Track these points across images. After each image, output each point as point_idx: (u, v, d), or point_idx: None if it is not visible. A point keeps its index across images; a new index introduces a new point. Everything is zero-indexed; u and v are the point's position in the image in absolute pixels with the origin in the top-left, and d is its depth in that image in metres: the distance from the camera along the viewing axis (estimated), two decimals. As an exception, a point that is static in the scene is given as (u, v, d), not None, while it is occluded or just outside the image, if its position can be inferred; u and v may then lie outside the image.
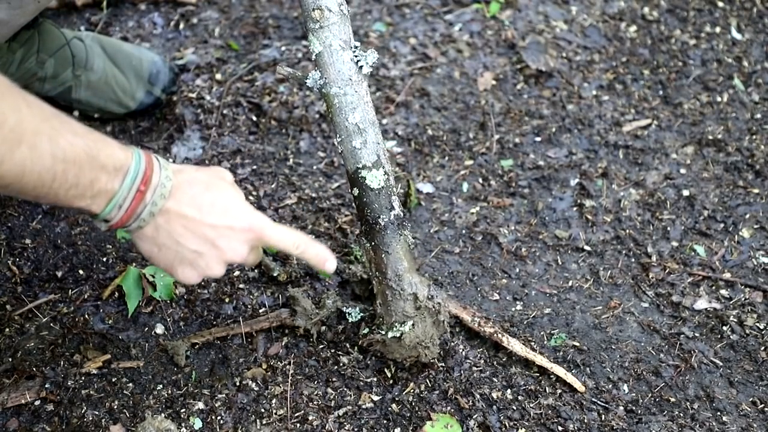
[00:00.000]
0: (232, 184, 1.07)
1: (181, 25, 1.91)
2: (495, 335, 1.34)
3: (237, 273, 1.45)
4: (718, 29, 2.00)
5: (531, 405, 1.31)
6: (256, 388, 1.30)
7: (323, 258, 1.14)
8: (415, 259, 1.32)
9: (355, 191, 1.24)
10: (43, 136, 0.86)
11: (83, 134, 0.91)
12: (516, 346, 1.34)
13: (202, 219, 1.02)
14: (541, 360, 1.33)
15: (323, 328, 1.37)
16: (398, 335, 1.26)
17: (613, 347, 1.41)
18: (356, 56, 1.22)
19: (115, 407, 1.26)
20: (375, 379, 1.32)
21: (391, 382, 1.32)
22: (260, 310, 1.40)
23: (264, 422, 1.26)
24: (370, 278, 1.28)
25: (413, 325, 1.26)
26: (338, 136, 1.23)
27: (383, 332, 1.27)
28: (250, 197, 1.58)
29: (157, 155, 1.01)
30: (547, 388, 1.33)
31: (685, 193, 1.66)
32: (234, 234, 1.04)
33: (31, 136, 0.85)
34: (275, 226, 1.09)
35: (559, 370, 1.32)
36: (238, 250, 1.06)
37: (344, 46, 1.21)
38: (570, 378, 1.32)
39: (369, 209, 1.23)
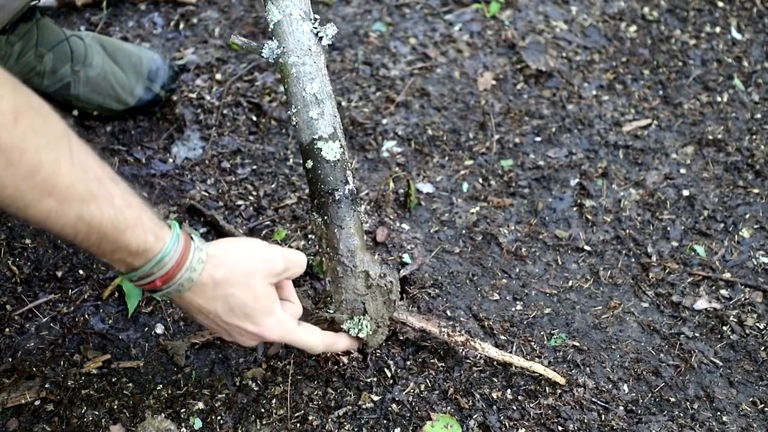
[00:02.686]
0: (267, 278, 1.06)
1: (181, 25, 1.91)
2: (467, 343, 1.32)
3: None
4: (718, 29, 2.00)
5: (531, 405, 1.31)
6: (256, 388, 1.30)
7: (352, 347, 1.27)
8: (366, 240, 1.30)
9: (309, 163, 1.20)
10: (74, 195, 0.85)
11: (120, 205, 0.89)
12: (490, 350, 1.32)
13: (217, 319, 1.04)
14: (518, 360, 1.32)
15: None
16: (356, 331, 1.24)
17: (613, 347, 1.41)
18: (316, 28, 1.21)
19: (115, 407, 1.26)
20: (375, 379, 1.32)
21: (391, 382, 1.32)
22: (260, 310, 1.40)
23: (264, 422, 1.26)
24: (318, 253, 1.25)
25: (365, 312, 1.24)
26: (293, 107, 1.21)
27: (331, 311, 1.23)
28: (251, 197, 1.58)
29: (198, 239, 1.00)
30: (547, 388, 1.33)
31: (685, 193, 1.66)
32: (250, 335, 1.08)
33: (64, 191, 0.84)
34: (297, 335, 1.12)
35: (538, 368, 1.31)
36: (254, 342, 1.12)
37: (304, 17, 1.20)
38: (550, 373, 1.31)
39: (323, 182, 1.19)
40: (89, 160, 0.87)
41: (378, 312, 1.24)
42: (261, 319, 1.06)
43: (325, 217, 1.20)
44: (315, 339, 1.16)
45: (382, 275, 1.22)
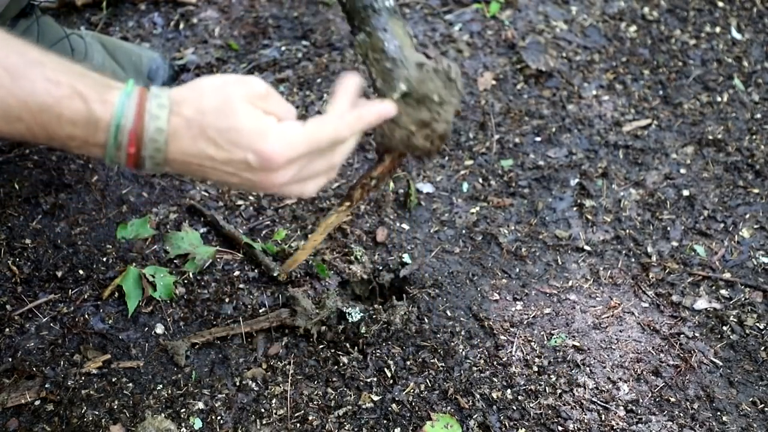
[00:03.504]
0: (248, 101, 0.89)
1: (181, 25, 1.91)
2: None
3: (237, 273, 1.45)
4: (718, 29, 2.00)
5: (531, 405, 1.31)
6: (256, 388, 1.30)
7: (387, 113, 1.02)
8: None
9: None
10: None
11: (43, 89, 0.81)
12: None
13: (214, 163, 0.88)
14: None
15: (323, 328, 1.37)
16: (404, 88, 1.07)
17: (613, 347, 1.41)
18: None
19: (115, 407, 1.26)
20: (375, 379, 1.32)
21: (391, 382, 1.32)
22: (260, 310, 1.40)
23: (264, 422, 1.26)
24: (368, 70, 1.11)
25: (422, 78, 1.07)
26: None
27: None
28: (251, 197, 1.58)
29: (156, 88, 0.88)
30: (546, 388, 1.33)
31: (685, 193, 1.66)
32: (261, 171, 0.89)
33: None
34: (311, 136, 0.91)
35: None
36: (276, 182, 0.90)
37: None
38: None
39: (360, 1, 1.11)
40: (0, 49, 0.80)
41: (437, 88, 1.07)
42: (258, 143, 0.87)
43: (367, 28, 1.11)
44: (334, 126, 0.93)
45: (438, 60, 1.08)
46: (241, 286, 1.43)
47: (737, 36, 1.99)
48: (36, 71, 0.82)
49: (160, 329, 1.37)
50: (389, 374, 1.33)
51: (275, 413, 1.27)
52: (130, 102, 0.84)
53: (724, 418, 1.32)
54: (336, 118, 0.94)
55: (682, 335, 1.43)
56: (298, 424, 1.26)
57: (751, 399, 1.35)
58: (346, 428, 1.26)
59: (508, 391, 1.32)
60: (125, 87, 0.85)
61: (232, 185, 0.92)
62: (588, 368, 1.37)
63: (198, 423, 1.25)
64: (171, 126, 0.86)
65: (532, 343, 1.39)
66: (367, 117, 0.99)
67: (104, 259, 1.45)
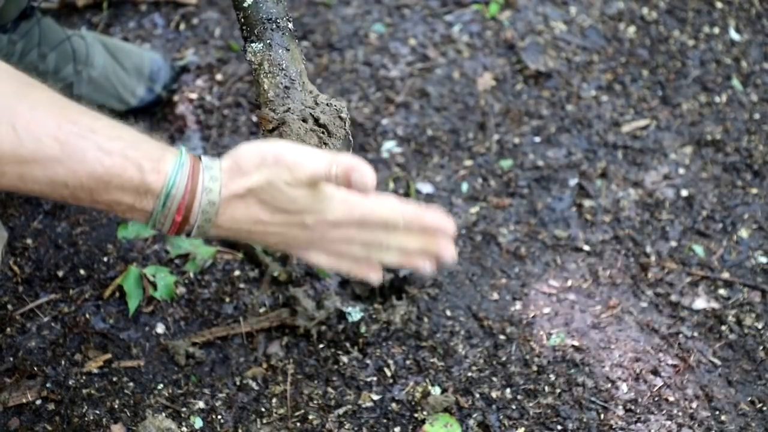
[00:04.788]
0: (289, 175, 0.86)
1: (182, 26, 1.91)
2: None
3: (237, 273, 1.45)
4: (716, 30, 2.00)
5: (530, 404, 1.31)
6: (257, 388, 1.31)
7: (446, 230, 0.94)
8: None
9: (248, 1, 1.09)
10: (32, 158, 0.78)
11: (94, 158, 0.80)
12: None
13: (273, 222, 0.87)
14: None
15: (323, 327, 1.37)
16: (301, 109, 1.03)
17: (612, 347, 1.41)
18: None
19: (116, 406, 1.26)
20: (375, 379, 1.33)
21: (391, 381, 1.33)
22: (260, 310, 1.40)
23: (264, 421, 1.27)
24: (256, 79, 1.08)
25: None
26: None
27: (277, 114, 1.03)
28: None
29: (207, 158, 0.87)
30: (546, 388, 1.34)
31: (684, 193, 1.67)
32: (320, 225, 0.89)
33: (25, 155, 0.77)
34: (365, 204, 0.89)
35: None
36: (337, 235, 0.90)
37: None
38: None
39: (266, 13, 1.08)
40: (52, 117, 0.80)
41: (330, 125, 1.04)
42: (312, 205, 0.87)
43: (268, 41, 1.08)
44: (392, 206, 0.91)
45: (329, 101, 1.07)
46: (242, 285, 1.44)
47: (736, 37, 1.99)
48: (88, 141, 0.81)
49: (160, 329, 1.37)
50: (389, 374, 1.33)
51: (275, 412, 1.28)
52: (183, 172, 0.84)
53: (723, 418, 1.32)
54: (397, 203, 0.92)
55: (680, 335, 1.43)
56: (298, 423, 1.26)
57: (749, 398, 1.36)
58: (346, 427, 1.27)
59: (508, 390, 1.33)
60: (179, 155, 0.85)
61: (275, 243, 0.91)
62: (587, 368, 1.38)
63: (198, 422, 1.26)
64: (222, 197, 0.85)
65: (531, 343, 1.40)
66: (426, 221, 0.93)
67: (105, 259, 1.45)
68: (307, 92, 1.05)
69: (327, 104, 1.05)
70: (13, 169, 0.78)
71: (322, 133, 1.02)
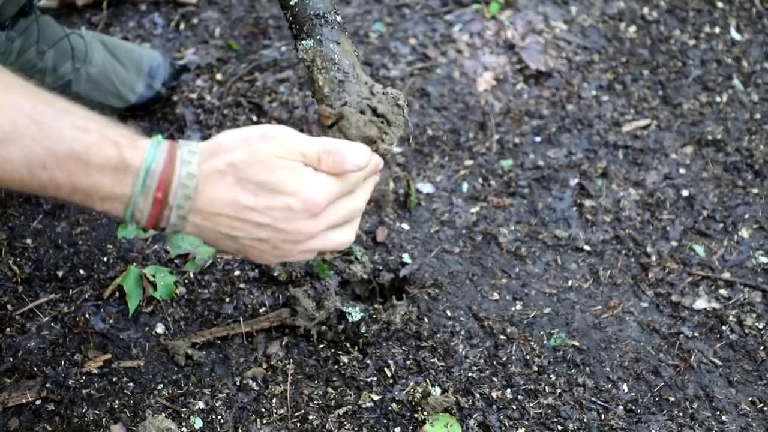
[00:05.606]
0: (279, 147, 0.87)
1: (182, 26, 1.91)
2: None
3: (237, 273, 1.45)
4: (717, 29, 2.00)
5: (531, 404, 1.31)
6: (257, 388, 1.31)
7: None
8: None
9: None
10: (9, 139, 0.77)
11: (71, 135, 0.80)
12: None
13: (251, 213, 0.86)
14: None
15: (323, 327, 1.37)
16: (356, 102, 1.03)
17: (613, 347, 1.41)
18: None
19: (116, 406, 1.26)
20: (375, 379, 1.33)
21: (391, 381, 1.33)
22: (260, 310, 1.40)
23: (264, 421, 1.26)
24: (310, 76, 1.08)
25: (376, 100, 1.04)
26: None
27: (335, 108, 1.03)
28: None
29: (184, 142, 0.87)
30: (546, 388, 1.34)
31: (685, 193, 1.66)
32: (302, 213, 0.87)
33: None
34: (350, 178, 0.90)
35: None
36: (305, 230, 0.88)
37: None
38: None
39: (313, 9, 1.08)
40: (26, 99, 0.80)
41: (388, 110, 1.04)
42: (295, 183, 0.86)
43: (318, 37, 1.08)
44: (365, 156, 0.92)
45: (385, 90, 1.07)
46: (242, 285, 1.43)
47: (736, 36, 1.99)
48: (64, 120, 0.81)
49: (160, 329, 1.37)
50: (389, 374, 1.33)
51: (275, 413, 1.27)
52: (161, 148, 0.84)
53: (724, 418, 1.32)
54: (365, 151, 0.94)
55: (681, 335, 1.43)
56: (299, 424, 1.26)
57: (750, 398, 1.35)
58: (346, 427, 1.26)
59: (508, 390, 1.33)
60: (155, 137, 0.85)
61: (252, 247, 0.90)
62: (587, 368, 1.37)
63: (198, 422, 1.26)
64: (202, 172, 0.84)
65: (532, 343, 1.40)
66: (376, 160, 0.98)
67: (105, 259, 1.45)
68: (362, 83, 1.05)
69: (383, 93, 1.05)
70: None
71: (382, 122, 1.02)
